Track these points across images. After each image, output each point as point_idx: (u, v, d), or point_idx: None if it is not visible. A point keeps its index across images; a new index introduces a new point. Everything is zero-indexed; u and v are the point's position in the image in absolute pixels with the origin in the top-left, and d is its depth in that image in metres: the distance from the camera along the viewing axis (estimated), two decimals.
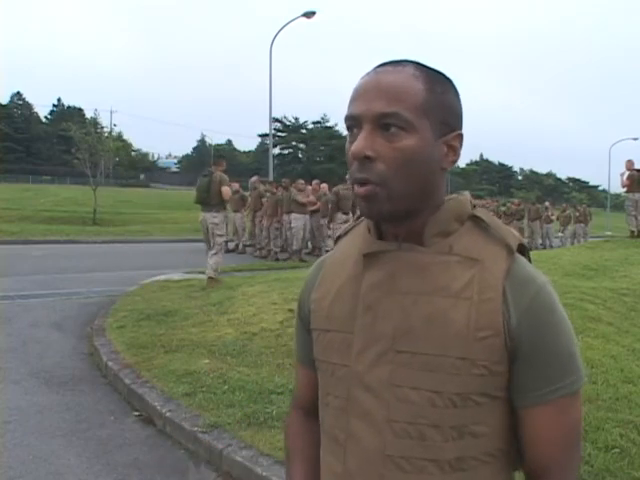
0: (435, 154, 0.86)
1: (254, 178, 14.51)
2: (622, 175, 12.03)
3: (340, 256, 0.99)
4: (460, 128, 0.90)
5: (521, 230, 17.75)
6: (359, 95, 0.86)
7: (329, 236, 12.79)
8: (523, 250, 0.91)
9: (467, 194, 0.94)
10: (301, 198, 12.14)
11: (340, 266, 0.97)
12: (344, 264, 0.96)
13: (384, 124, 0.83)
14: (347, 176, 11.86)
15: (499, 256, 0.86)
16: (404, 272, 0.87)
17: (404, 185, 0.84)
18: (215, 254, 8.01)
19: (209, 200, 8.06)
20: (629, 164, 11.80)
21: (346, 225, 1.05)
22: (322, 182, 14.03)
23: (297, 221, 12.24)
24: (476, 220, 0.90)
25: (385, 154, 0.83)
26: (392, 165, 0.83)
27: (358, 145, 0.83)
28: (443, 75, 0.89)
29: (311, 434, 1.07)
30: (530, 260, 0.91)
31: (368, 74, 0.88)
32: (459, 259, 0.86)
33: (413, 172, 0.84)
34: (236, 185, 13.95)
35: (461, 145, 0.89)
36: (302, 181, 13.06)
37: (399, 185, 0.83)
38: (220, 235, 8.13)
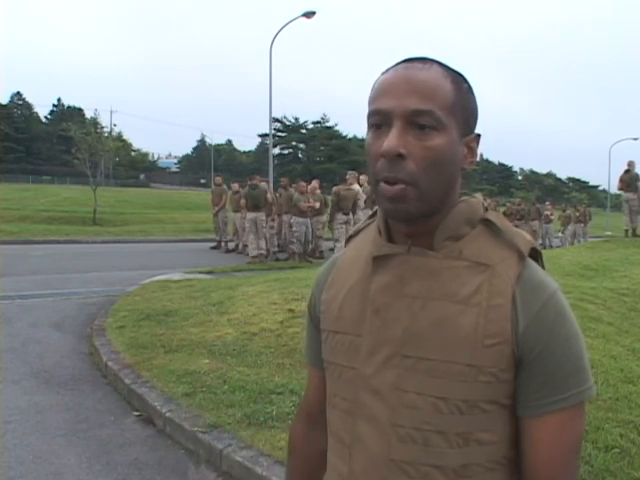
0: (459, 154, 0.85)
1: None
2: None
3: (350, 257, 0.97)
4: (475, 130, 0.89)
5: (534, 233, 17.52)
6: (388, 90, 0.82)
7: (320, 237, 12.92)
8: (536, 254, 0.88)
9: (479, 196, 0.92)
10: (303, 205, 12.12)
11: (350, 267, 0.95)
12: (354, 265, 0.94)
13: (416, 122, 0.80)
14: (348, 175, 11.91)
15: (510, 261, 0.84)
16: (413, 276, 0.86)
17: (433, 185, 0.82)
18: None
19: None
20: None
21: (358, 225, 1.03)
22: (312, 179, 13.97)
23: (299, 225, 12.19)
24: (488, 223, 0.87)
25: (416, 153, 0.80)
26: (422, 164, 0.80)
27: (391, 142, 0.79)
28: (463, 76, 0.88)
29: (313, 440, 1.07)
30: (543, 265, 0.89)
31: (395, 69, 0.84)
32: (469, 264, 0.84)
33: (441, 172, 0.82)
34: (236, 185, 13.95)
35: (478, 146, 0.88)
36: (303, 183, 13.03)
37: (428, 185, 0.81)
38: None
